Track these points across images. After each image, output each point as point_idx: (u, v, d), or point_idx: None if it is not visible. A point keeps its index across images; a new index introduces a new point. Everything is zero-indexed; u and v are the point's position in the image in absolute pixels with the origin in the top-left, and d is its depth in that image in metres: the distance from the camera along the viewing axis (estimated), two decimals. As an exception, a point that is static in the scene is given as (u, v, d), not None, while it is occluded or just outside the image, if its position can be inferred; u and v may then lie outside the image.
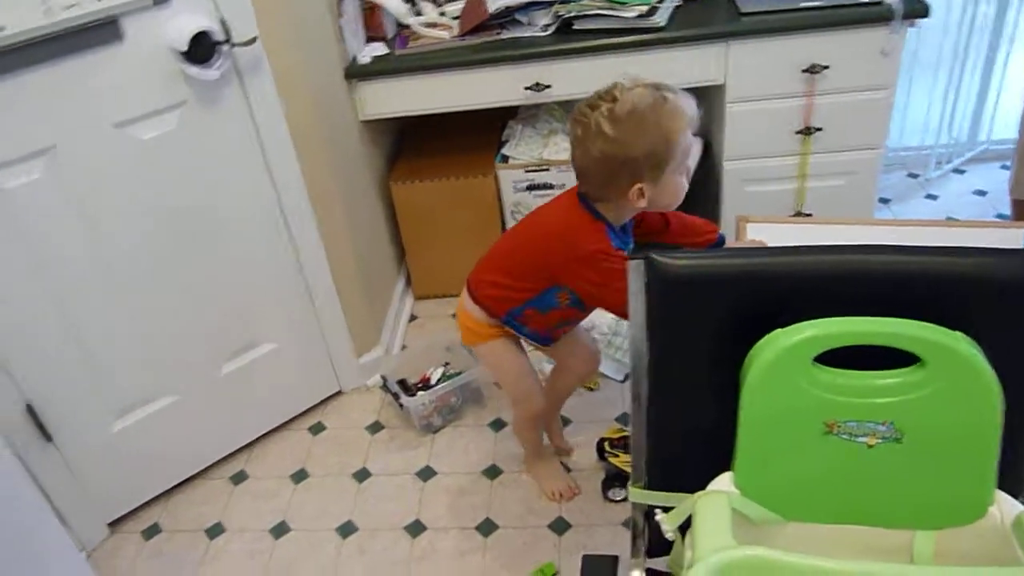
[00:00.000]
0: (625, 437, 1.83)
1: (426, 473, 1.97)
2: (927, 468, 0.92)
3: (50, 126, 1.53)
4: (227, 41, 1.64)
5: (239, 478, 2.03)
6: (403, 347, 2.38)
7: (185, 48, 1.59)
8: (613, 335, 2.23)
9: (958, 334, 0.87)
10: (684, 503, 0.97)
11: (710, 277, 0.97)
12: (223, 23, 1.64)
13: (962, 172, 2.78)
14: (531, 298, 1.53)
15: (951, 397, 0.88)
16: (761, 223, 1.89)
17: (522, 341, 1.67)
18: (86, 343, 1.72)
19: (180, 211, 1.74)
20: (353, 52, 2.11)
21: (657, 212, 1.50)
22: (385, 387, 2.11)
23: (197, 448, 2.02)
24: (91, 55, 1.52)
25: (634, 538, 1.16)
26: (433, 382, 2.12)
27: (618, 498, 1.82)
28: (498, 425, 2.07)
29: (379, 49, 2.15)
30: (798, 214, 2.25)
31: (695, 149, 1.39)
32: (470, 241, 2.44)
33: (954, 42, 2.56)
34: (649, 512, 1.15)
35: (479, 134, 2.50)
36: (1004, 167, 2.77)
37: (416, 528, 1.84)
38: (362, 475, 1.99)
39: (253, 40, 1.66)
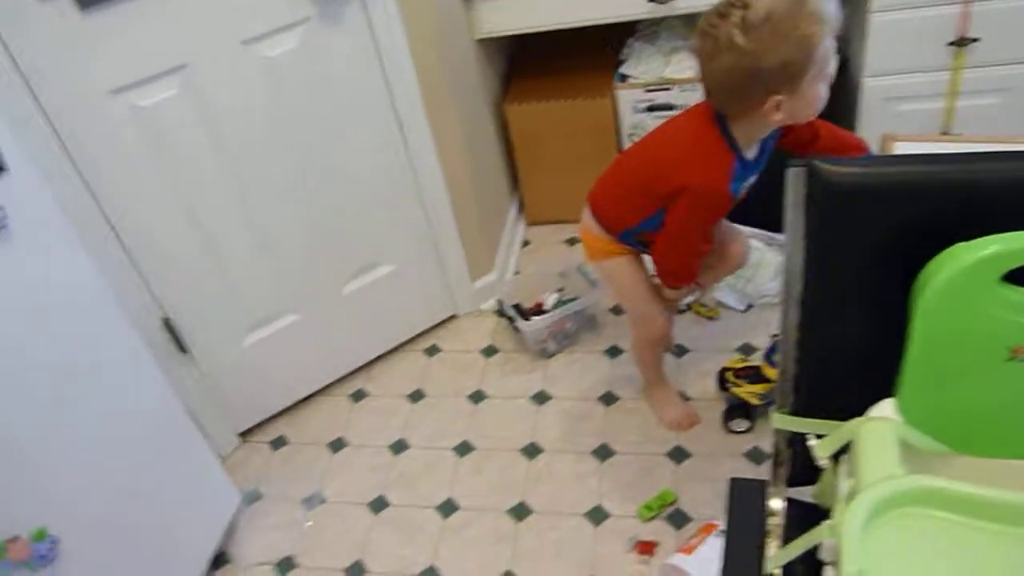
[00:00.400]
0: (749, 367, 1.77)
1: (541, 397, 1.97)
2: None
3: (183, 44, 1.55)
4: (349, -46, 1.61)
5: (359, 396, 2.09)
6: (516, 272, 2.36)
7: (308, -38, 1.57)
8: (735, 263, 2.14)
9: None
10: (841, 430, 0.91)
11: (882, 186, 0.88)
12: (346, -65, 1.60)
13: None
14: (646, 218, 1.48)
15: None
16: (913, 141, 1.75)
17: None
18: (218, 259, 1.78)
19: (304, 129, 1.75)
20: (470, -33, 2.04)
21: (806, 122, 1.40)
22: (501, 311, 2.10)
23: (320, 365, 2.08)
24: (217, -30, 1.52)
25: (776, 466, 1.11)
26: (548, 307, 2.10)
27: (740, 429, 1.77)
28: (614, 352, 2.04)
29: (497, -36, 2.08)
30: (945, 135, 2.07)
31: (834, 54, 1.29)
32: (585, 166, 2.36)
33: None
34: (792, 439, 1.09)
35: (595, 54, 2.40)
36: None
37: (532, 451, 1.85)
38: (477, 397, 2.01)
39: (375, -48, 1.62)
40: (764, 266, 2.12)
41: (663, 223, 1.46)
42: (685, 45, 2.24)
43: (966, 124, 2.03)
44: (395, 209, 1.97)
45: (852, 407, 0.99)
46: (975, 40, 1.89)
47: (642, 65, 2.24)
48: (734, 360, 1.83)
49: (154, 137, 1.59)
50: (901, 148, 1.65)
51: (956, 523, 0.75)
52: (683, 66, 2.19)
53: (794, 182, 0.93)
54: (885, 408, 0.90)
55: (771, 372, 1.71)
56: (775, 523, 1.08)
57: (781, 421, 1.06)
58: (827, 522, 0.95)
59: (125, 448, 1.47)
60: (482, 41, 2.17)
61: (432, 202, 2.01)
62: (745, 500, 0.94)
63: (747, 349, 1.97)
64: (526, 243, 2.49)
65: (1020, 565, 0.72)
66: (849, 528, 0.74)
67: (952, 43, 1.91)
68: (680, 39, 2.27)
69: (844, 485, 0.91)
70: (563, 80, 2.33)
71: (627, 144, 2.34)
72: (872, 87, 2.02)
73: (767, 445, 1.74)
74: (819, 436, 0.99)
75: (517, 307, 2.10)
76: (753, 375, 1.75)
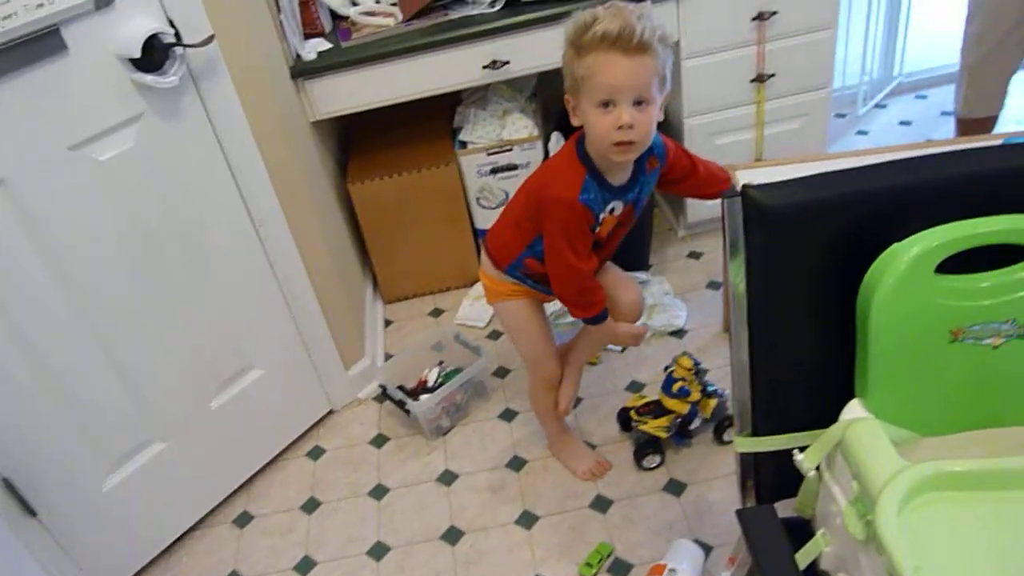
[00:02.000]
0: (650, 403, 1.81)
1: (447, 477, 1.88)
2: (1051, 359, 0.93)
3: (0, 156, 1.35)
4: (180, 43, 1.50)
5: (244, 520, 1.87)
6: (388, 355, 2.27)
7: (137, 55, 1.43)
8: (604, 306, 2.20)
9: (1068, 220, 0.88)
10: (824, 437, 0.94)
11: (815, 205, 0.94)
12: (172, 24, 1.49)
13: (884, 106, 2.92)
14: (527, 244, 1.50)
15: (1071, 283, 0.89)
16: (755, 168, 1.91)
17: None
18: (63, 396, 1.53)
19: (149, 235, 1.57)
20: (296, 50, 1.98)
21: (684, 155, 1.52)
22: (385, 396, 1.99)
23: (194, 495, 1.85)
24: (34, 72, 1.34)
25: (743, 488, 1.13)
26: (432, 383, 2.02)
27: (653, 465, 1.79)
28: (509, 415, 2.00)
29: (321, 45, 2.03)
30: (758, 160, 2.28)
31: (628, 105, 1.28)
32: (437, 234, 2.36)
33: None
34: (756, 460, 1.12)
35: (426, 124, 2.41)
36: (919, 97, 2.93)
37: (453, 535, 1.75)
38: (379, 492, 1.88)
39: (210, 39, 1.52)
40: (630, 305, 2.19)
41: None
42: (515, 107, 2.31)
43: (775, 149, 2.26)
44: (258, 308, 1.83)
45: (807, 419, 1.04)
46: (772, 75, 2.13)
47: (479, 130, 2.27)
48: (632, 399, 1.87)
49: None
50: (739, 175, 1.80)
51: (974, 499, 0.79)
52: (518, 126, 2.25)
53: (731, 210, 0.96)
54: (856, 409, 0.95)
55: (672, 403, 1.75)
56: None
57: (744, 444, 1.08)
58: (821, 532, 0.97)
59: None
60: (316, 122, 2.10)
61: (295, 294, 1.88)
62: (763, 527, 0.94)
63: (635, 386, 2.02)
64: (388, 322, 2.40)
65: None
66: (888, 527, 0.75)
67: (753, 80, 2.14)
68: (507, 101, 2.34)
69: (836, 490, 0.94)
70: (401, 153, 2.31)
71: (476, 208, 2.35)
72: (692, 125, 2.20)
73: (680, 475, 1.78)
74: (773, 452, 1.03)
75: (401, 388, 2.00)
76: (656, 409, 1.78)
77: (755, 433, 1.08)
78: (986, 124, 2.13)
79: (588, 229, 1.42)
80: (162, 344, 1.66)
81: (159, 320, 1.63)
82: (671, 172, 1.51)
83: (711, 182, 1.57)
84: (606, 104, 1.27)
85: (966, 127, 2.15)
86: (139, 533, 1.76)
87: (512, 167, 2.27)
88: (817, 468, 0.98)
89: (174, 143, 1.57)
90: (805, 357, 1.03)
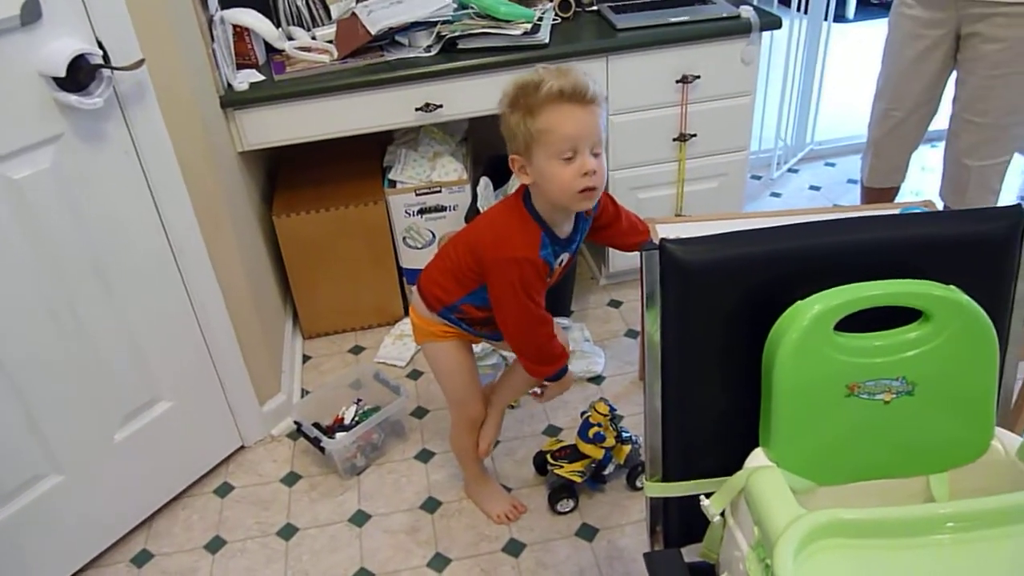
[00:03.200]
0: (566, 447, 1.83)
1: (360, 518, 1.84)
2: (936, 415, 1.00)
3: (-100, 169, 1.29)
4: (108, 65, 1.47)
5: (142, 559, 1.79)
6: (303, 391, 2.23)
7: (62, 74, 1.40)
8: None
9: (952, 287, 0.96)
10: (728, 484, 0.98)
11: (728, 263, 1.00)
12: (101, 45, 1.47)
13: (796, 171, 3.09)
14: (467, 293, 1.52)
15: (955, 345, 0.97)
16: (673, 223, 1.99)
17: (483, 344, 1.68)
18: (-47, 425, 1.45)
19: (60, 258, 1.52)
20: (227, 79, 1.96)
21: (610, 202, 1.58)
22: (300, 432, 1.95)
23: (89, 533, 1.76)
24: (-51, 85, 1.30)
25: (652, 533, 1.15)
26: (348, 421, 2.00)
27: (566, 509, 1.81)
28: (426, 456, 1.99)
29: (254, 76, 2.03)
30: (678, 216, 2.38)
31: (582, 146, 1.32)
32: (361, 271, 2.35)
33: (783, 58, 2.85)
34: (665, 505, 1.15)
35: (356, 161, 2.42)
36: (828, 164, 3.11)
37: (363, 577, 1.72)
38: (288, 531, 1.83)
39: (140, 63, 1.50)
40: (550, 349, 2.22)
41: (488, 300, 1.49)
42: (446, 150, 2.35)
43: (694, 206, 2.36)
44: (171, 338, 1.77)
45: (715, 466, 1.08)
46: (693, 135, 2.23)
47: (408, 170, 2.29)
48: (549, 443, 1.89)
49: None
50: (660, 228, 1.88)
51: (867, 546, 0.84)
52: (448, 169, 2.29)
53: (649, 263, 1.01)
54: (759, 458, 0.99)
55: (587, 448, 1.78)
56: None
57: (654, 489, 1.12)
58: (725, 574, 1.01)
59: None
60: (244, 153, 2.08)
61: (211, 326, 1.84)
62: (669, 571, 0.96)
63: (552, 430, 2.04)
64: (307, 358, 2.37)
65: (932, 567, 0.82)
66: (784, 571, 0.79)
67: (676, 139, 2.23)
68: (438, 144, 2.38)
69: (739, 535, 0.97)
70: (329, 188, 2.30)
71: (402, 248, 2.36)
72: (617, 179, 2.27)
73: (593, 520, 1.80)
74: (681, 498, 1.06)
75: (317, 426, 1.97)
76: (571, 454, 1.81)
77: (665, 478, 1.11)
78: (888, 193, 2.28)
79: (544, 282, 1.46)
80: (66, 370, 1.59)
81: (64, 346, 1.57)
82: (600, 217, 1.57)
83: (631, 232, 1.63)
84: (567, 157, 1.31)
85: (871, 195, 2.29)
86: (28, 571, 1.66)
87: (440, 208, 2.29)
88: (722, 514, 1.02)
89: (94, 166, 1.53)
90: (714, 406, 1.08)
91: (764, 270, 1.00)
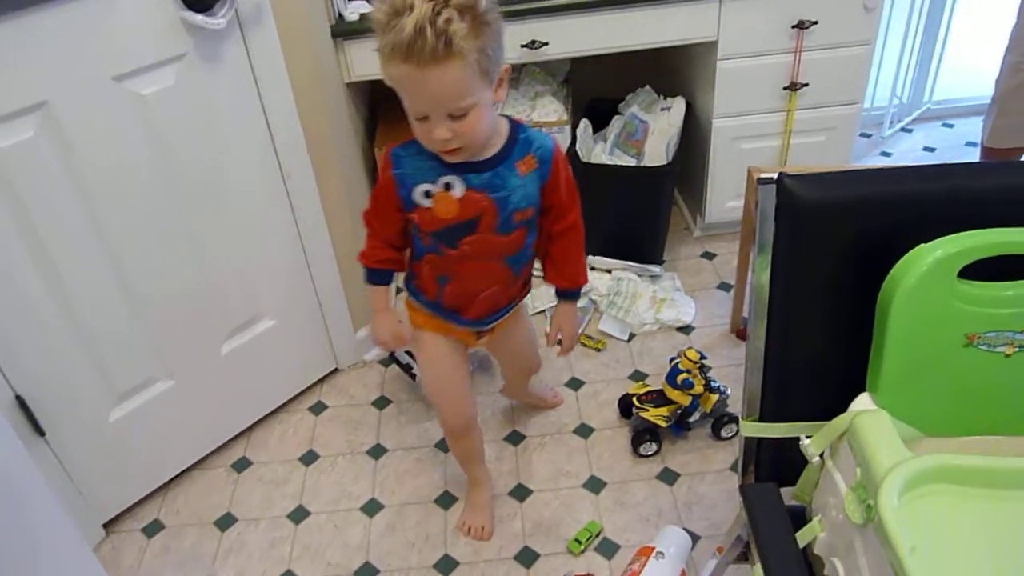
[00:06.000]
0: (653, 391, 1.83)
1: (444, 445, 1.90)
2: (1061, 373, 0.95)
3: (42, 80, 1.36)
4: (232, -13, 1.51)
5: (241, 465, 1.90)
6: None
7: (189, -7, 1.45)
8: (615, 295, 2.22)
9: (1092, 240, 0.90)
10: (830, 426, 0.96)
11: (848, 202, 0.96)
12: (226, -32, 1.51)
13: (909, 131, 2.94)
14: (414, 250, 1.39)
15: (1090, 301, 0.91)
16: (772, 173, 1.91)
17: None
18: (81, 323, 1.56)
19: (178, 173, 1.59)
20: (339, 9, 1.99)
21: (566, 193, 1.33)
22: (393, 359, 2.02)
23: (195, 437, 1.87)
24: (84, 1, 1.36)
25: (744, 472, 1.15)
26: (438, 353, 2.05)
27: (649, 453, 1.81)
28: (511, 391, 2.03)
29: (364, 7, 2.04)
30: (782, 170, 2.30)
31: (442, 120, 1.12)
32: (456, 209, 2.37)
33: (906, 8, 2.69)
34: (759, 446, 1.14)
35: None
36: (946, 125, 2.95)
37: (446, 500, 1.77)
38: (377, 452, 1.90)
39: (261, -14, 1.54)
40: (640, 296, 2.22)
41: (432, 240, 1.33)
42: (548, 90, 2.33)
43: (799, 159, 2.28)
44: (277, 259, 1.85)
45: (810, 410, 1.07)
46: (805, 85, 2.15)
47: (508, 108, 2.29)
48: (636, 387, 1.89)
49: (6, 185, 1.37)
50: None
51: (973, 494, 0.81)
52: (549, 109, 2.27)
53: (764, 197, 0.98)
54: (865, 402, 0.97)
55: (675, 394, 1.78)
56: (755, 528, 1.12)
57: (750, 429, 1.11)
58: (817, 518, 1.00)
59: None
60: (351, 84, 2.12)
61: (315, 250, 1.91)
62: (765, 502, 0.96)
63: (638, 376, 2.04)
64: (399, 290, 2.42)
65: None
66: (888, 509, 0.78)
67: (786, 87, 2.15)
68: (540, 83, 2.36)
69: (837, 477, 0.96)
70: (429, 125, 2.32)
71: (498, 186, 2.36)
72: (720, 127, 2.21)
73: (675, 465, 1.80)
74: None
75: (410, 354, 2.03)
76: (657, 399, 1.81)
77: (761, 419, 1.10)
78: (1011, 155, 2.15)
79: (393, 189, 1.27)
80: (179, 284, 1.68)
81: (179, 260, 1.66)
82: (547, 189, 1.29)
83: (560, 261, 1.40)
84: (419, 117, 1.13)
85: (992, 156, 2.16)
86: (139, 466, 1.78)
87: (538, 149, 2.28)
88: (820, 457, 1.00)
89: (214, 86, 1.58)
90: (817, 350, 1.05)
91: (884, 212, 0.96)
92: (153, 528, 1.77)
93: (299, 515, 1.77)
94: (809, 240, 0.99)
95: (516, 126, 1.27)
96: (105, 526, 1.76)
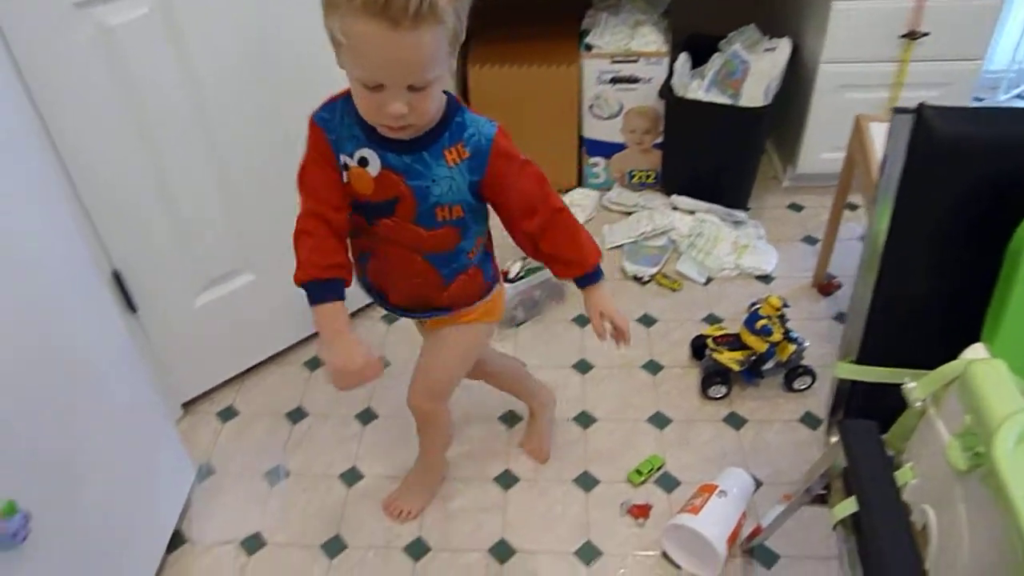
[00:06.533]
0: (729, 335, 1.81)
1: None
2: None
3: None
4: None
5: (315, 364, 1.95)
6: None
7: None
8: (696, 236, 2.18)
9: None
10: (939, 372, 0.93)
11: (992, 141, 0.91)
12: None
13: (1024, 98, 2.78)
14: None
15: None
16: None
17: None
18: (177, 208, 1.59)
19: (283, 66, 1.59)
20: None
21: (527, 181, 1.15)
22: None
23: (272, 332, 1.92)
24: None
25: (832, 415, 1.13)
26: (512, 276, 2.05)
27: (718, 395, 1.80)
28: (583, 321, 2.02)
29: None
30: (886, 124, 2.20)
31: (392, 82, 0.95)
32: (541, 135, 2.34)
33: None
34: (851, 390, 1.12)
35: (553, 22, 2.37)
36: (1065, 95, 2.77)
37: (511, 418, 1.80)
38: (446, 365, 1.93)
39: None
40: (721, 240, 2.17)
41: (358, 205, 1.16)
42: (648, 19, 2.26)
43: (906, 114, 2.17)
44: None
45: (910, 358, 1.03)
46: (925, 34, 2.03)
47: (607, 36, 2.23)
48: (712, 328, 1.87)
49: (119, 62, 1.39)
50: (875, 128, 1.74)
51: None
52: (648, 39, 2.21)
53: (897, 130, 0.94)
54: (979, 351, 0.94)
55: (751, 339, 1.75)
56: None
57: (846, 370, 1.08)
58: (909, 464, 0.98)
59: (86, 411, 1.28)
60: None
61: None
62: (865, 438, 0.94)
63: (712, 319, 2.02)
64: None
65: None
66: (1004, 455, 0.75)
67: (904, 36, 2.04)
68: (641, 12, 2.29)
69: (939, 425, 0.93)
70: (523, 45, 2.28)
71: (587, 116, 2.32)
72: (827, 72, 2.12)
73: (743, 410, 1.79)
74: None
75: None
76: (733, 342, 1.78)
77: (859, 362, 1.07)
78: None
79: (327, 156, 1.10)
80: (271, 179, 1.69)
81: (272, 155, 1.67)
82: (489, 188, 1.11)
83: (558, 253, 1.20)
84: (372, 86, 0.96)
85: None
86: (219, 353, 1.84)
87: (634, 80, 2.23)
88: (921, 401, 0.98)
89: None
90: (928, 297, 1.02)
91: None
92: (228, 413, 1.84)
93: (366, 417, 1.82)
94: (938, 180, 0.95)
95: (454, 106, 1.08)
96: (184, 406, 1.83)
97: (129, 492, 1.41)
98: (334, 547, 1.56)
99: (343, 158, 1.10)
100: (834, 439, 1.08)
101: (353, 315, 1.94)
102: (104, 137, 1.43)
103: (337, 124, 1.09)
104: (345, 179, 1.10)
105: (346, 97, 1.05)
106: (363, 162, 1.09)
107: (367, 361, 1.12)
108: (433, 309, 1.29)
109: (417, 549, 1.55)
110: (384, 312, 1.65)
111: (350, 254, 1.17)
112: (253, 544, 1.57)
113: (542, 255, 1.21)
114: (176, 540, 1.57)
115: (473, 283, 1.27)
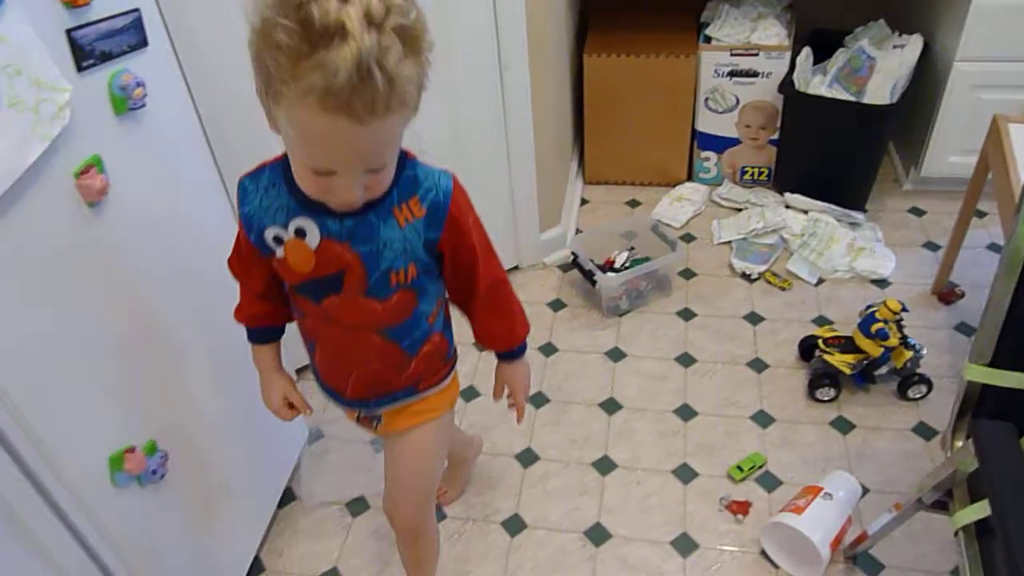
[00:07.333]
0: (840, 337, 1.76)
1: (615, 354, 1.92)
2: None
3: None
4: None
5: (420, 340, 2.00)
6: (577, 230, 2.31)
7: None
8: (809, 236, 2.13)
9: None
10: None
11: None
12: None
13: None
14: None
15: None
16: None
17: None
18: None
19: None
20: (574, -96, 1.96)
21: (475, 243, 1.01)
22: (576, 264, 2.04)
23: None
24: None
25: (958, 418, 1.09)
26: (618, 265, 2.05)
27: (826, 398, 1.75)
28: (687, 315, 2.01)
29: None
30: None
31: (348, 169, 0.83)
32: (654, 126, 2.34)
33: None
34: (981, 394, 1.08)
35: (671, 12, 2.36)
36: None
37: (611, 406, 1.80)
38: (548, 350, 1.95)
39: None
40: (836, 241, 2.11)
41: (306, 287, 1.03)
42: (770, 12, 2.21)
43: (1046, 118, 2.05)
44: (482, 148, 1.90)
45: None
46: (1074, 33, 1.91)
47: (727, 28, 2.20)
48: (823, 329, 1.82)
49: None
50: (1014, 129, 1.66)
51: None
52: (770, 32, 2.16)
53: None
54: None
55: (865, 343, 1.70)
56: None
57: (976, 373, 1.04)
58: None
59: (225, 372, 1.37)
60: (571, -15, 2.10)
61: (517, 143, 1.94)
62: (1000, 440, 0.91)
63: (821, 321, 1.96)
64: (584, 201, 2.44)
65: None
66: None
67: (1050, 34, 1.93)
68: (763, 6, 2.24)
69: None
70: (640, 36, 2.28)
71: (702, 108, 2.30)
72: (961, 71, 2.02)
73: (851, 415, 1.74)
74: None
75: (591, 261, 2.04)
76: (845, 344, 1.73)
77: (992, 366, 1.03)
78: None
79: (249, 250, 1.01)
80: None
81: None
82: (446, 245, 0.97)
83: (487, 322, 1.10)
84: (320, 172, 0.83)
85: None
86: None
87: (753, 73, 2.19)
88: None
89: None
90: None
91: None
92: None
93: (468, 395, 1.86)
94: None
95: (402, 159, 0.92)
96: (297, 371, 1.91)
97: (249, 447, 1.49)
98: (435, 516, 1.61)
99: (271, 231, 0.94)
100: (959, 443, 1.05)
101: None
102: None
103: (260, 194, 0.95)
104: (280, 254, 0.96)
105: (283, 164, 0.92)
106: (300, 233, 0.93)
107: (279, 406, 1.16)
108: (393, 394, 1.10)
109: (514, 525, 1.58)
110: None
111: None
112: (358, 506, 1.64)
113: (471, 316, 1.09)
114: (287, 496, 1.65)
115: (438, 354, 1.10)
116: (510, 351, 1.16)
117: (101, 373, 1.07)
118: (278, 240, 0.95)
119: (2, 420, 0.89)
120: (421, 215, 0.93)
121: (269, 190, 0.94)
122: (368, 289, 0.96)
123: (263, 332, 1.14)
